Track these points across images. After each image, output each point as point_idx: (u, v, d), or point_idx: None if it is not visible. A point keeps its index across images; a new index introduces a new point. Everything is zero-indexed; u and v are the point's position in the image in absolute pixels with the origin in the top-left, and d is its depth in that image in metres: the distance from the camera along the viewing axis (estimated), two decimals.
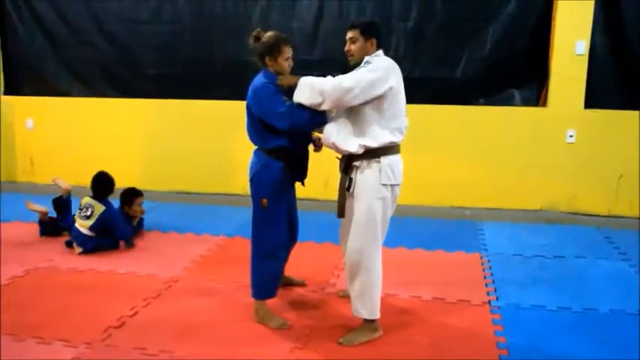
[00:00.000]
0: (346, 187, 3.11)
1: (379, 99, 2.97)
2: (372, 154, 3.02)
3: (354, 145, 3.01)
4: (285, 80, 3.16)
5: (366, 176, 3.05)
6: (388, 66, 3.01)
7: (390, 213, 3.14)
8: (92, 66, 6.48)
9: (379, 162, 3.02)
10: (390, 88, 2.97)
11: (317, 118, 3.11)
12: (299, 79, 3.11)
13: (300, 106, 3.08)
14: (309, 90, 3.04)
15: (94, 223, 4.51)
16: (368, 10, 5.70)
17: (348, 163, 3.09)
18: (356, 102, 2.95)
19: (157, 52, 6.25)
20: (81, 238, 4.48)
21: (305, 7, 5.84)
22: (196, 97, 6.14)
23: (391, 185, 3.06)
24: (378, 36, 3.12)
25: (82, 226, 4.51)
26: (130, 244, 4.62)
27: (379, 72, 2.96)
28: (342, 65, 3.32)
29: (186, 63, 6.18)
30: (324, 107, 3.03)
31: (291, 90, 3.13)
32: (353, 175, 3.09)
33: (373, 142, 3.00)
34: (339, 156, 3.16)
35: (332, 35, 5.74)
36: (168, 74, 6.25)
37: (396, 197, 3.14)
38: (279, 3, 5.87)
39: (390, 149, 3.04)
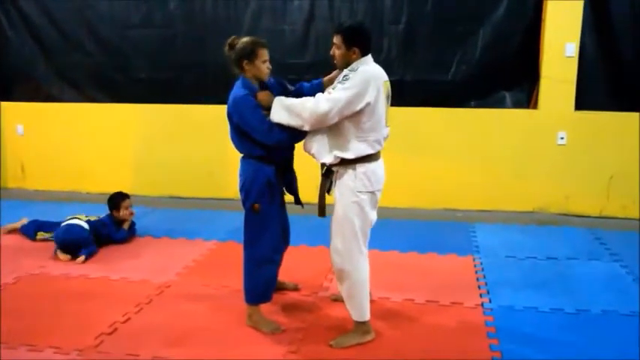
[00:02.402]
0: (326, 190, 3.16)
1: (357, 114, 2.97)
2: (347, 162, 3.05)
3: (330, 157, 3.06)
4: (265, 101, 3.13)
5: (343, 181, 3.08)
6: (366, 80, 2.96)
7: (371, 217, 3.15)
8: (83, 71, 6.45)
9: (355, 170, 3.05)
10: (368, 104, 2.96)
11: (298, 134, 3.11)
12: (274, 99, 3.11)
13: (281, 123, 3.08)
14: (287, 112, 3.05)
15: (92, 222, 4.67)
16: (359, 13, 5.71)
17: (328, 167, 3.14)
18: (334, 121, 2.97)
19: (148, 57, 6.23)
20: (75, 231, 4.52)
21: (296, 10, 5.84)
22: (188, 102, 6.13)
23: (369, 192, 3.07)
24: (363, 43, 3.06)
25: (80, 219, 4.64)
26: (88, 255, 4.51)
27: (355, 89, 2.93)
28: (334, 68, 3.32)
29: (177, 67, 6.17)
30: (305, 129, 3.05)
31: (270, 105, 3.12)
32: (332, 179, 3.14)
33: (349, 155, 3.02)
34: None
35: (323, 38, 5.73)
36: (160, 79, 6.23)
37: (376, 202, 3.16)
38: (269, 6, 5.87)
39: (366, 158, 3.05)
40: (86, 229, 4.56)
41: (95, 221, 4.71)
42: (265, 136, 3.11)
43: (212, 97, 5.82)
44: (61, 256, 4.43)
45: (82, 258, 4.38)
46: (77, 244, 4.47)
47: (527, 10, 5.50)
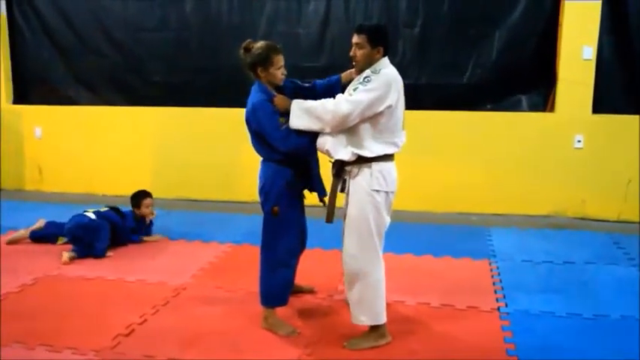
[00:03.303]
0: (339, 190, 3.12)
1: (376, 115, 2.96)
2: (363, 160, 3.02)
3: (347, 154, 3.02)
4: (282, 105, 3.13)
5: (357, 181, 3.05)
6: (388, 82, 2.97)
7: (386, 219, 3.12)
8: (100, 74, 6.52)
9: (370, 168, 3.02)
10: (389, 107, 2.96)
11: (314, 141, 3.10)
12: (291, 103, 3.10)
13: (298, 129, 3.08)
14: (307, 116, 3.04)
15: (101, 212, 4.76)
16: (374, 16, 5.72)
17: (341, 167, 3.10)
18: (355, 122, 2.96)
19: (164, 60, 6.28)
20: (78, 219, 4.64)
21: (311, 14, 5.86)
22: (204, 105, 6.17)
23: (384, 192, 3.05)
24: (386, 42, 3.07)
25: (87, 211, 4.74)
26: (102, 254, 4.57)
27: (377, 92, 2.93)
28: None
29: (193, 70, 6.21)
30: (325, 132, 3.03)
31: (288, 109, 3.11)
32: (345, 179, 3.10)
33: (366, 152, 3.00)
34: (332, 160, 3.15)
35: (338, 41, 5.75)
36: (176, 82, 6.29)
37: (390, 205, 3.13)
38: (285, 10, 5.89)
39: (382, 157, 3.03)
40: (93, 219, 4.63)
41: (107, 211, 4.78)
42: (282, 143, 3.11)
43: (227, 100, 5.86)
44: (64, 256, 4.45)
45: (110, 253, 4.54)
46: (85, 230, 4.56)
47: (544, 12, 5.48)
